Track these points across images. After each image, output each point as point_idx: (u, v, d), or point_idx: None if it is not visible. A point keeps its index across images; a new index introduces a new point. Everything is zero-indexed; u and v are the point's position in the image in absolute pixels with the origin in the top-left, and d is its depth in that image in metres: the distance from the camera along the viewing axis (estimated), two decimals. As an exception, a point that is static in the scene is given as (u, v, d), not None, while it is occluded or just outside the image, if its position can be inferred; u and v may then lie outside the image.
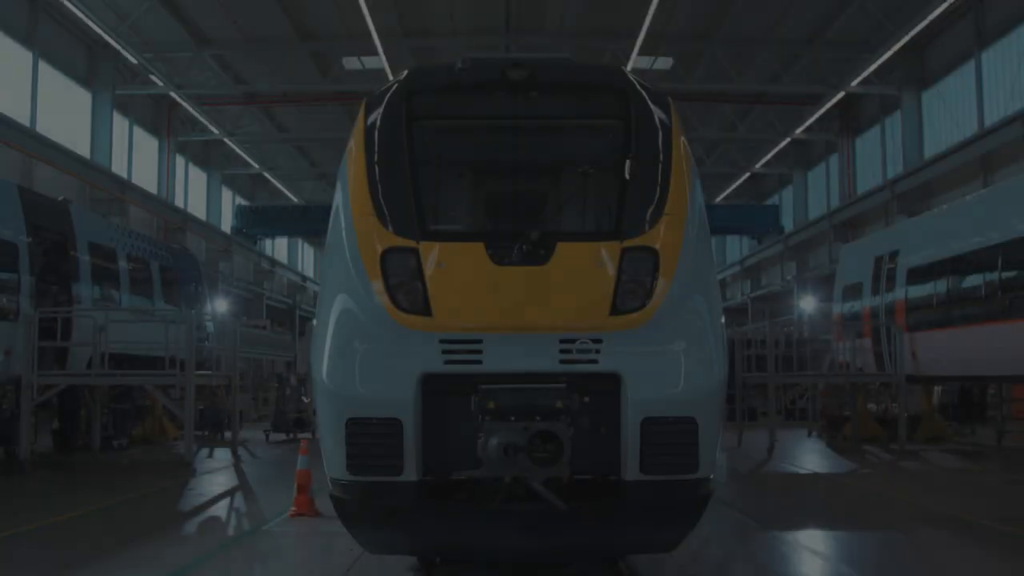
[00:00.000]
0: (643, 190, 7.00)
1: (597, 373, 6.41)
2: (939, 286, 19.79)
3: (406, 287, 6.51)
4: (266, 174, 48.46)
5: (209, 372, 20.10)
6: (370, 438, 6.29)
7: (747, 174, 48.70)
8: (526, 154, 7.79)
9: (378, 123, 7.46)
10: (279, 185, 52.22)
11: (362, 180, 7.12)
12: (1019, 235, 16.64)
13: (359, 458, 6.34)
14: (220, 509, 12.89)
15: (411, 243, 6.64)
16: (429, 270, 6.53)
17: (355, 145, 7.49)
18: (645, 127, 7.36)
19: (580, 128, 8.11)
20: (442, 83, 7.89)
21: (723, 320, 7.13)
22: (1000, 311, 17.38)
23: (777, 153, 44.27)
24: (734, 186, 52.18)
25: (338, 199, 7.43)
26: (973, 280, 18.43)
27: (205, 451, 20.40)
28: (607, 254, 6.65)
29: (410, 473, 6.28)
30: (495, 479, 6.28)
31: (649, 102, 7.58)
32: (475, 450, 6.22)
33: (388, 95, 7.68)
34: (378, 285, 6.56)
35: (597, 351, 6.41)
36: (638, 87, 7.70)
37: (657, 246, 6.68)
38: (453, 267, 6.59)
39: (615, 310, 6.47)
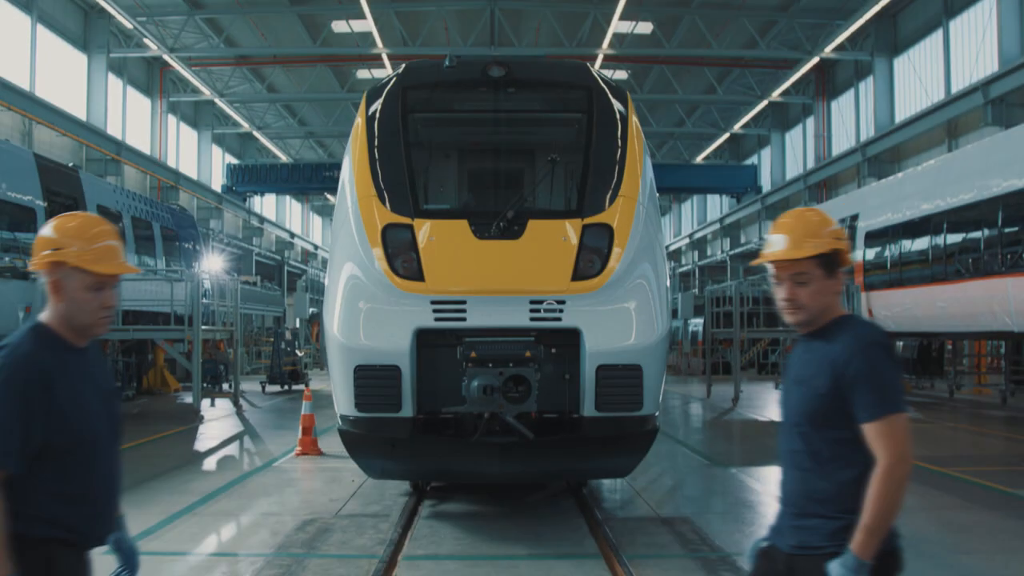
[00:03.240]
0: (602, 175, 8.35)
1: (561, 328, 7.77)
2: (893, 249, 21.20)
3: (403, 257, 7.85)
4: (255, 133, 49.37)
5: (213, 327, 21.36)
6: (374, 381, 7.64)
7: (726, 135, 49.77)
8: (504, 142, 9.17)
9: (378, 113, 8.76)
10: (268, 144, 53.15)
11: (364, 164, 8.43)
12: (964, 203, 18.01)
13: (365, 398, 7.69)
14: (232, 449, 14.29)
15: (407, 220, 7.98)
16: (422, 243, 7.87)
17: (358, 132, 8.77)
18: (605, 119, 8.69)
19: (550, 120, 9.48)
20: (433, 79, 9.18)
21: (668, 284, 8.51)
22: (947, 273, 18.81)
23: (755, 115, 45.34)
24: (714, 146, 53.30)
25: (344, 178, 8.72)
26: (924, 244, 19.82)
27: (207, 401, 21.76)
28: (571, 229, 8.01)
29: (407, 410, 7.64)
30: (476, 415, 7.67)
31: (609, 96, 8.92)
32: (460, 391, 7.57)
33: (387, 88, 8.98)
34: (379, 255, 7.89)
35: (561, 310, 7.76)
36: (600, 83, 9.04)
37: (613, 223, 8.04)
38: (442, 240, 7.93)
39: (576, 276, 7.83)
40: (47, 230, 2.99)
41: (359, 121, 8.82)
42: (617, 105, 8.86)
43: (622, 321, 7.88)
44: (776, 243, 3.14)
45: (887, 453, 2.93)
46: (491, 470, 7.93)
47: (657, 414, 8.09)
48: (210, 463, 12.88)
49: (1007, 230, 16.52)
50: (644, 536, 8.04)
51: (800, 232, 3.12)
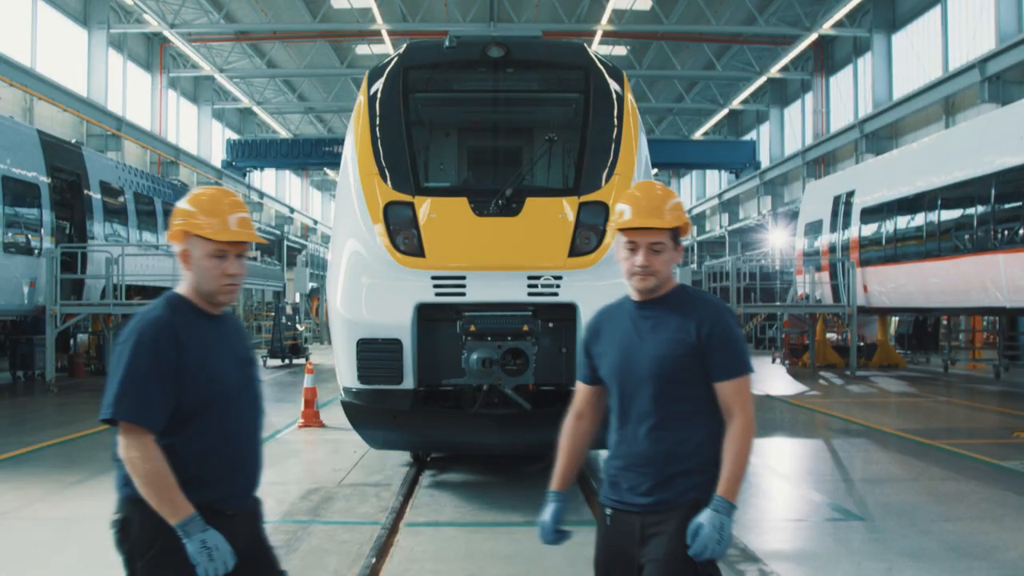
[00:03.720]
0: (598, 153, 8.55)
1: (557, 303, 7.99)
2: (887, 225, 21.41)
3: (404, 233, 8.07)
4: (255, 109, 49.45)
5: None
6: (376, 355, 7.87)
7: (725, 111, 49.88)
8: (502, 122, 9.37)
9: (379, 93, 8.95)
10: (268, 119, 53.23)
11: (366, 142, 8.62)
12: (957, 180, 18.22)
13: (367, 371, 7.93)
14: (235, 422, 14.53)
15: (408, 197, 8.19)
16: (423, 220, 8.08)
17: (360, 111, 8.96)
18: (601, 99, 8.88)
19: (547, 99, 9.67)
20: (433, 60, 9.36)
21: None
22: (941, 249, 19.04)
23: (754, 91, 45.44)
24: (713, 122, 53.39)
25: (347, 156, 8.90)
26: (918, 220, 20.04)
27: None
28: (567, 207, 8.22)
29: (408, 382, 7.87)
30: (475, 387, 7.91)
31: (606, 76, 9.11)
32: (459, 364, 7.81)
33: (388, 69, 9.16)
34: (381, 232, 8.10)
35: (558, 286, 7.98)
36: (597, 64, 9.22)
37: (609, 201, 8.24)
38: (442, 217, 8.14)
39: (573, 252, 8.05)
40: (181, 203, 3.21)
41: (361, 100, 9.00)
42: (613, 85, 9.05)
43: (616, 296, 8.09)
44: (629, 213, 3.28)
45: (743, 409, 3.21)
46: (490, 440, 8.18)
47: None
48: (215, 435, 13.13)
49: (1000, 207, 16.73)
50: (638, 504, 8.28)
51: (656, 204, 3.29)
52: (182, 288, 3.22)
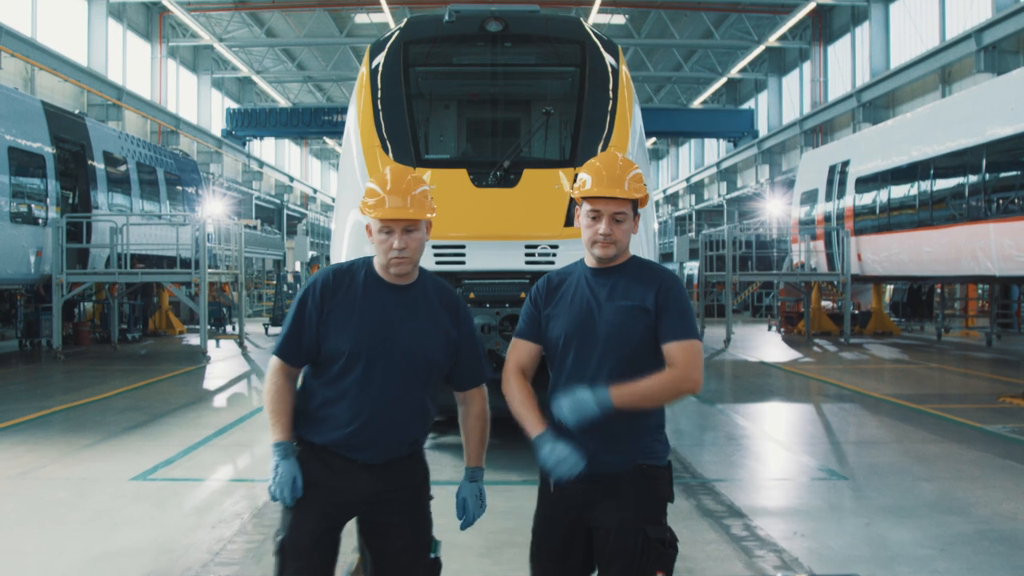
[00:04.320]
0: (593, 125, 8.81)
1: (554, 271, 8.27)
2: (881, 195, 21.67)
3: (405, 204, 8.32)
4: (254, 78, 49.48)
5: (218, 270, 21.86)
6: (379, 320, 8.15)
7: (724, 79, 49.87)
8: (501, 94, 9.62)
9: (380, 67, 9.19)
10: (267, 88, 53.24)
11: (368, 115, 8.87)
12: (949, 151, 18.46)
13: (370, 335, 8.21)
14: (240, 387, 14.89)
15: (408, 168, 8.45)
16: (423, 190, 8.35)
17: (362, 85, 9.21)
18: (597, 73, 9.13)
19: (545, 73, 9.92)
20: (432, 34, 9.59)
21: (656, 229, 9.01)
22: (933, 219, 19.31)
23: (753, 60, 45.46)
24: (711, 90, 53.37)
25: (349, 128, 9.16)
26: (911, 190, 20.29)
27: (212, 342, 22.33)
28: (563, 178, 8.49)
29: (409, 347, 8.16)
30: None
31: (601, 50, 9.35)
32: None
33: (389, 42, 9.39)
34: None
35: (554, 254, 8.26)
36: (593, 37, 9.46)
37: (604, 172, 8.50)
38: (442, 188, 8.39)
39: (569, 222, 8.31)
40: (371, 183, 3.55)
41: (363, 73, 9.24)
42: (608, 59, 9.29)
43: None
44: (591, 183, 3.43)
45: (681, 364, 3.29)
46: (491, 403, 8.49)
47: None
48: (220, 400, 13.47)
49: (990, 177, 16.98)
50: (631, 465, 8.61)
51: (618, 175, 3.42)
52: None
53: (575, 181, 3.54)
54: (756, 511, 7.05)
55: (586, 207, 3.46)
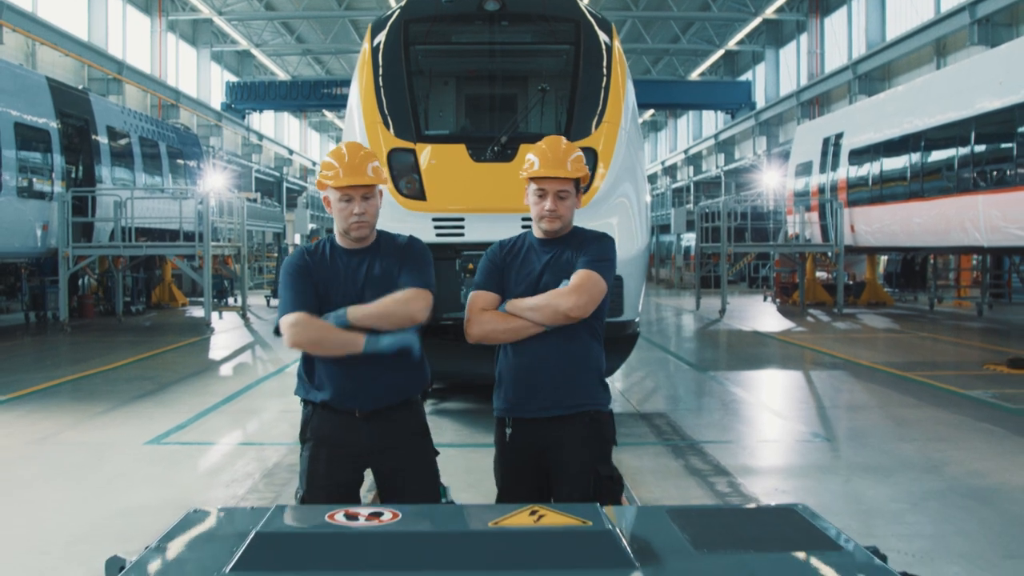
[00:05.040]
0: (587, 102, 9.11)
1: (549, 243, 8.60)
2: (873, 167, 21.98)
3: (406, 178, 8.65)
4: (254, 51, 49.57)
5: (220, 243, 22.18)
6: (381, 292, 8.49)
7: (721, 51, 49.94)
8: (498, 72, 9.92)
9: (382, 45, 9.48)
10: (266, 61, 53.32)
11: (370, 92, 9.17)
12: (940, 124, 18.76)
13: (373, 306, 8.56)
14: (245, 357, 15.28)
15: (410, 144, 8.76)
16: (424, 165, 8.67)
17: (364, 62, 9.50)
18: (591, 51, 9.42)
19: (541, 51, 10.22)
20: (432, 13, 9.88)
21: (648, 201, 9.33)
22: (922, 191, 19.64)
23: (750, 32, 45.56)
24: (709, 62, 53.44)
25: (352, 104, 9.45)
26: (902, 162, 20.59)
27: (215, 314, 22.70)
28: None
29: (411, 316, 8.50)
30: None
31: (595, 28, 9.64)
32: (459, 299, 8.43)
33: (390, 21, 9.68)
34: (385, 176, 8.69)
35: (550, 227, 8.58)
36: (587, 16, 9.74)
37: (598, 147, 8.81)
38: (442, 163, 8.73)
39: (563, 196, 8.64)
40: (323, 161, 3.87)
41: (365, 50, 9.53)
42: (603, 36, 9.57)
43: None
44: (538, 164, 3.79)
45: (576, 286, 3.66)
46: (486, 370, 8.76)
47: (637, 320, 8.98)
48: (226, 369, 13.85)
49: (979, 150, 17.29)
50: (623, 428, 9.00)
51: (561, 157, 3.80)
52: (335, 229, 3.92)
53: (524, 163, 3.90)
54: (741, 470, 7.43)
55: (533, 186, 3.83)
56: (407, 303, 3.76)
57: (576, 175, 3.81)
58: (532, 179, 3.82)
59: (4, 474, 7.42)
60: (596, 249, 3.80)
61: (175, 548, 2.26)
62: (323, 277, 3.79)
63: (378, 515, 2.29)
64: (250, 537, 2.10)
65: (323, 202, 3.87)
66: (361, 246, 3.87)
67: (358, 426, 3.81)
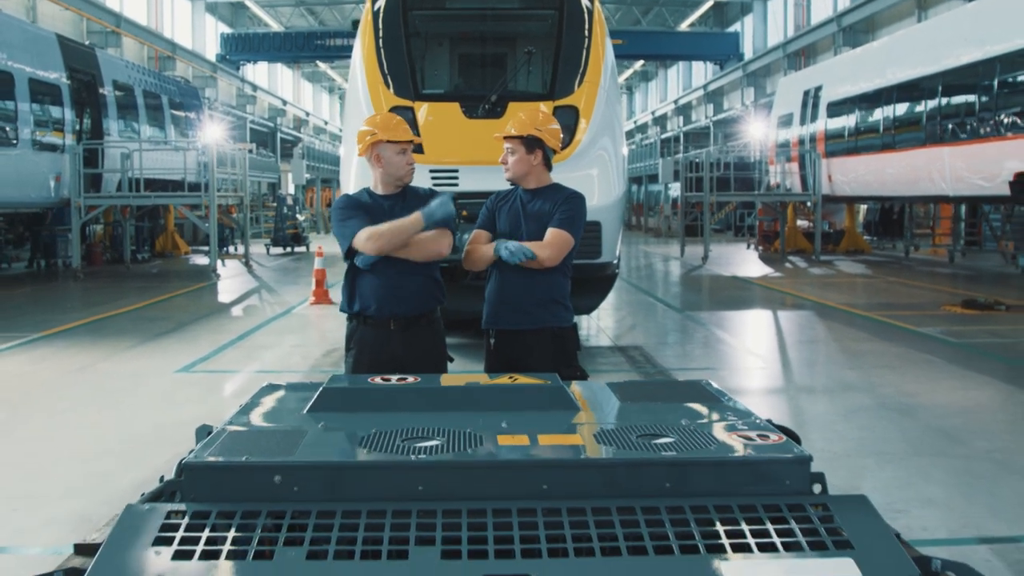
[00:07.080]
0: (570, 62, 10.03)
1: (535, 192, 9.56)
2: (850, 119, 22.90)
3: (406, 134, 9.58)
4: (247, 2, 50.01)
5: (224, 193, 23.03)
6: (383, 236, 9.46)
7: (710, 2, 50.49)
8: (489, 34, 10.85)
9: (382, 10, 10.36)
10: (260, 12, 53.72)
11: (372, 53, 10.07)
12: (910, 78, 19.67)
13: (375, 250, 9.53)
14: (253, 300, 16.28)
15: (409, 102, 9.69)
16: (421, 121, 9.60)
17: (366, 25, 10.38)
18: (573, 15, 10.33)
19: (527, 15, 11.14)
20: (428, -22, 10.76)
21: (625, 154, 10.30)
22: (894, 142, 20.58)
23: (739, -17, 46.18)
24: (698, 13, 53.91)
25: (355, 64, 10.34)
26: (875, 115, 21.51)
27: (218, 262, 23.63)
28: (544, 110, 9.74)
29: (410, 259, 9.48)
30: (467, 264, 9.54)
31: (578, -5, 10.52)
32: (454, 243, 9.41)
33: (389, -13, 10.53)
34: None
35: (535, 177, 9.53)
36: (571, -17, 10.61)
37: (579, 104, 9.76)
38: (438, 119, 9.66)
39: (548, 150, 9.59)
40: (364, 127, 4.73)
41: (367, 13, 10.42)
42: (585, 2, 10.48)
43: (586, 185, 9.64)
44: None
45: (546, 241, 4.59)
46: (477, 308, 9.82)
47: (615, 261, 9.98)
48: (237, 310, 14.85)
49: (946, 104, 18.22)
50: (601, 359, 10.06)
51: (518, 121, 4.71)
52: (372, 183, 4.79)
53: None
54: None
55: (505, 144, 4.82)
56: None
57: (520, 133, 4.70)
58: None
59: (56, 396, 8.44)
60: (566, 208, 4.72)
61: (262, 406, 3.25)
62: (369, 212, 4.69)
63: (404, 379, 3.28)
64: (319, 391, 3.09)
65: (373, 160, 4.68)
66: (396, 191, 4.76)
67: (390, 335, 4.75)
